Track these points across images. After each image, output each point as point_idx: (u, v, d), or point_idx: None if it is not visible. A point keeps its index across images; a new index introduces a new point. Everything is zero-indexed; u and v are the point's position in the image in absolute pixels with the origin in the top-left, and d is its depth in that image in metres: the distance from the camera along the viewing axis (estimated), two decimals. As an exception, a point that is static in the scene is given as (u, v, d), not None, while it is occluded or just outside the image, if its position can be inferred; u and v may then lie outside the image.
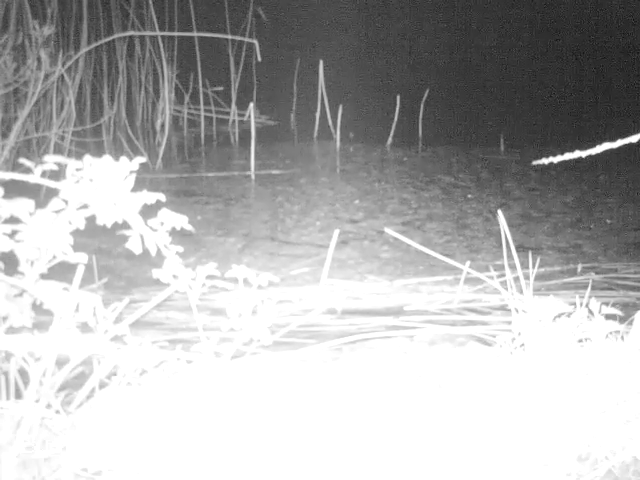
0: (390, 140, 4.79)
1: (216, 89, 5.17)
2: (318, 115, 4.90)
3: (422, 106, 4.90)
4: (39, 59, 3.58)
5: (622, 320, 1.63)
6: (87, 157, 1.30)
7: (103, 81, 4.88)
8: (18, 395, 1.47)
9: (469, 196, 3.74)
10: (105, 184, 1.30)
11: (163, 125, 4.79)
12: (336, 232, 2.44)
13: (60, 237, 1.30)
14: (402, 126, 4.83)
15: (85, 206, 1.31)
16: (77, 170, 1.31)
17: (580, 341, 1.57)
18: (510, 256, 1.95)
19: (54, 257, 1.34)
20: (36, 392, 1.37)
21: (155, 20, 4.57)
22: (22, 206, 1.28)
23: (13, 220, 1.28)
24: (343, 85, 5.52)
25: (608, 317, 1.58)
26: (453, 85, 6.22)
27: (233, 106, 5.10)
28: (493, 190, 3.85)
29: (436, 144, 4.79)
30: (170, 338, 2.03)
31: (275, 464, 1.33)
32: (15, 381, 1.47)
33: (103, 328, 1.48)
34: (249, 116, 4.43)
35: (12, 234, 1.29)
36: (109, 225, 1.32)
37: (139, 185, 1.35)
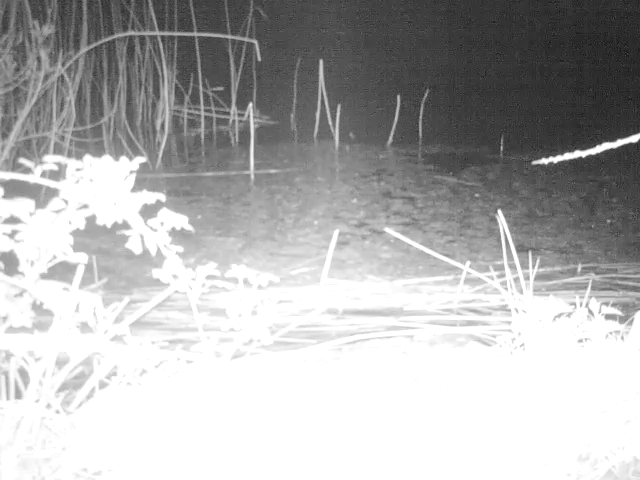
0: (390, 140, 4.79)
1: (216, 89, 5.17)
2: (318, 115, 4.90)
3: (422, 106, 4.90)
4: (39, 59, 3.58)
5: (622, 320, 1.63)
6: (87, 157, 1.30)
7: (103, 81, 4.88)
8: (18, 395, 1.47)
9: (476, 195, 3.73)
10: (105, 184, 1.30)
11: (163, 125, 4.79)
12: (336, 232, 2.44)
13: (60, 237, 1.30)
14: (402, 126, 4.83)
15: (85, 206, 1.31)
16: (77, 170, 1.31)
17: (580, 341, 1.57)
18: (510, 256, 1.95)
19: (54, 257, 1.34)
20: (36, 392, 1.37)
21: (155, 20, 4.57)
22: (22, 206, 1.28)
23: (13, 220, 1.28)
24: (343, 85, 5.53)
25: (608, 317, 1.58)
26: (453, 85, 6.22)
27: (233, 106, 5.10)
28: (499, 190, 3.85)
29: (436, 144, 4.80)
30: (170, 338, 2.04)
31: (275, 464, 1.33)
32: (15, 381, 1.48)
33: (103, 328, 1.48)
34: (249, 116, 4.43)
35: (12, 234, 1.28)
36: (109, 225, 1.32)
37: (139, 185, 1.35)
